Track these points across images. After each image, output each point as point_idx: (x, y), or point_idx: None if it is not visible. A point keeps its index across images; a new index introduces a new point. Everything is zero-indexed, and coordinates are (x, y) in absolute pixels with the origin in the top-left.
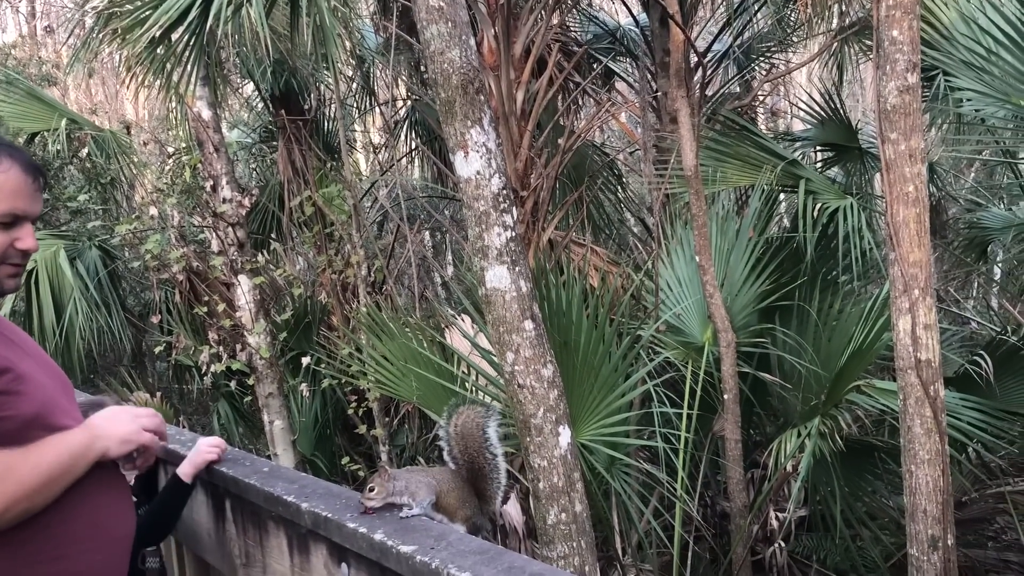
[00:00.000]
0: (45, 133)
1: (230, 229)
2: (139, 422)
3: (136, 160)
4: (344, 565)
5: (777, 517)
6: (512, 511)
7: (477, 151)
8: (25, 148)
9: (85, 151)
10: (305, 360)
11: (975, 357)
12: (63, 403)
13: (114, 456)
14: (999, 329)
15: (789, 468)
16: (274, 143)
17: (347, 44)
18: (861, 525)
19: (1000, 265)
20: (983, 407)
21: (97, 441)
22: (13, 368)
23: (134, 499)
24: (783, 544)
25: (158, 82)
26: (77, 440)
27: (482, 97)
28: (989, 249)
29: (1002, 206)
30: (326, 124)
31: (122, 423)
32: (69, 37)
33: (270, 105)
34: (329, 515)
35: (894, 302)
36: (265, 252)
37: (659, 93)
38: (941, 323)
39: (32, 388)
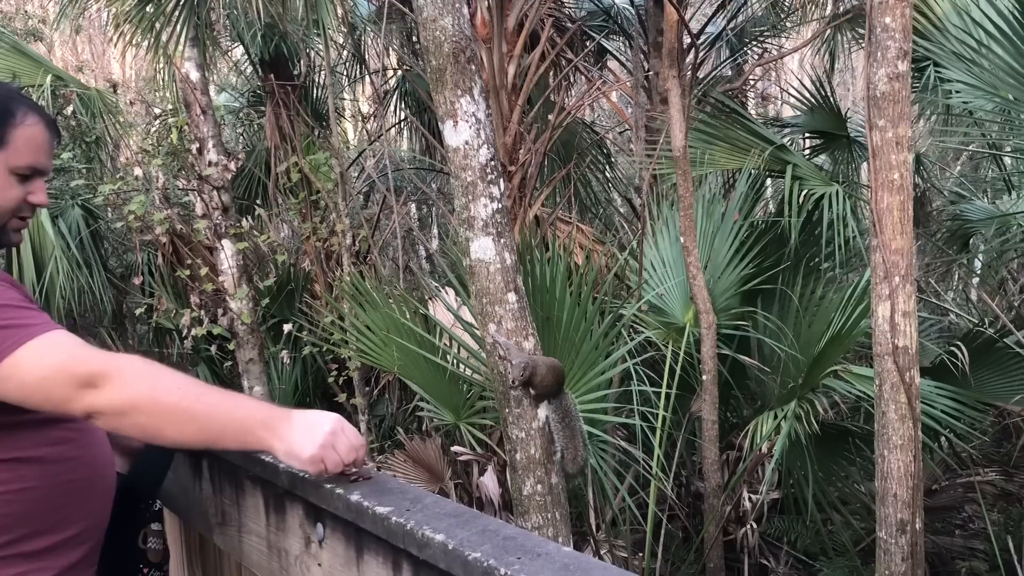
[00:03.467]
0: (29, 89)
1: (215, 193)
2: (327, 452)
3: (122, 120)
4: (320, 525)
5: (750, 498)
6: (489, 483)
7: (466, 121)
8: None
9: (70, 109)
10: (287, 327)
11: (952, 347)
12: None
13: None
14: (977, 321)
15: (764, 450)
16: (262, 108)
17: (339, 10)
18: (832, 509)
19: (981, 258)
20: (958, 396)
21: (271, 438)
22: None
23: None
24: (755, 525)
25: (146, 42)
26: (257, 414)
27: (473, 67)
28: (971, 242)
29: (986, 199)
30: (315, 91)
31: (311, 443)
32: None
33: (259, 69)
34: (306, 475)
35: (874, 288)
36: (250, 218)
37: (651, 73)
38: (921, 313)
39: None
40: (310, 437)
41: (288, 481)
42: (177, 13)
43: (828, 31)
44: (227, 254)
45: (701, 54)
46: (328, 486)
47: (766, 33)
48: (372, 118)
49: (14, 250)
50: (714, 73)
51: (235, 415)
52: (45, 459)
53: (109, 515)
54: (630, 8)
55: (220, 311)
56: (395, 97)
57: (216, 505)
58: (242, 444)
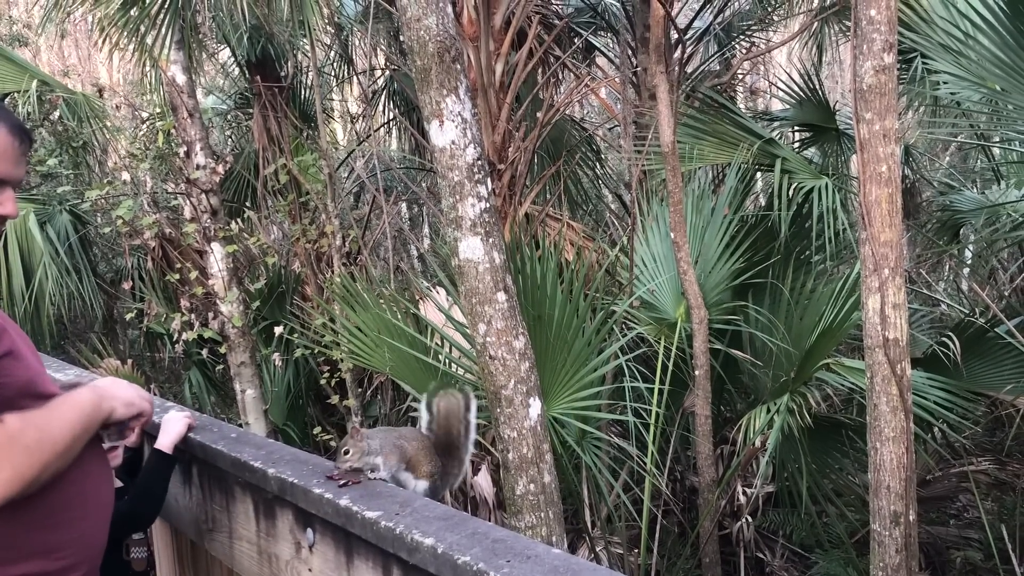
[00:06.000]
0: (15, 94)
1: (203, 196)
2: (136, 390)
3: (109, 124)
4: (309, 530)
5: (745, 492)
6: (483, 483)
7: (452, 120)
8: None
9: (56, 114)
10: (278, 329)
11: (943, 338)
12: (44, 371)
13: (118, 418)
14: (967, 311)
15: (758, 444)
16: (250, 110)
17: (325, 11)
18: (827, 502)
19: (971, 248)
20: (949, 387)
21: (104, 401)
22: (8, 329)
23: (120, 484)
24: (750, 519)
25: (132, 45)
26: (88, 399)
27: (458, 66)
28: (961, 232)
29: (975, 190)
30: (303, 92)
31: (124, 387)
32: None
33: (246, 71)
34: (295, 480)
35: (864, 281)
36: (239, 220)
37: (639, 69)
38: (912, 305)
39: (25, 352)
40: (126, 390)
41: (277, 486)
42: (162, 16)
43: (815, 24)
44: (217, 257)
45: (689, 49)
46: (317, 491)
47: (753, 27)
48: (360, 118)
49: (2, 257)
50: (702, 68)
51: (78, 427)
52: None
53: (106, 536)
54: (617, 4)
55: (211, 314)
56: (383, 97)
57: (206, 511)
58: (98, 422)
